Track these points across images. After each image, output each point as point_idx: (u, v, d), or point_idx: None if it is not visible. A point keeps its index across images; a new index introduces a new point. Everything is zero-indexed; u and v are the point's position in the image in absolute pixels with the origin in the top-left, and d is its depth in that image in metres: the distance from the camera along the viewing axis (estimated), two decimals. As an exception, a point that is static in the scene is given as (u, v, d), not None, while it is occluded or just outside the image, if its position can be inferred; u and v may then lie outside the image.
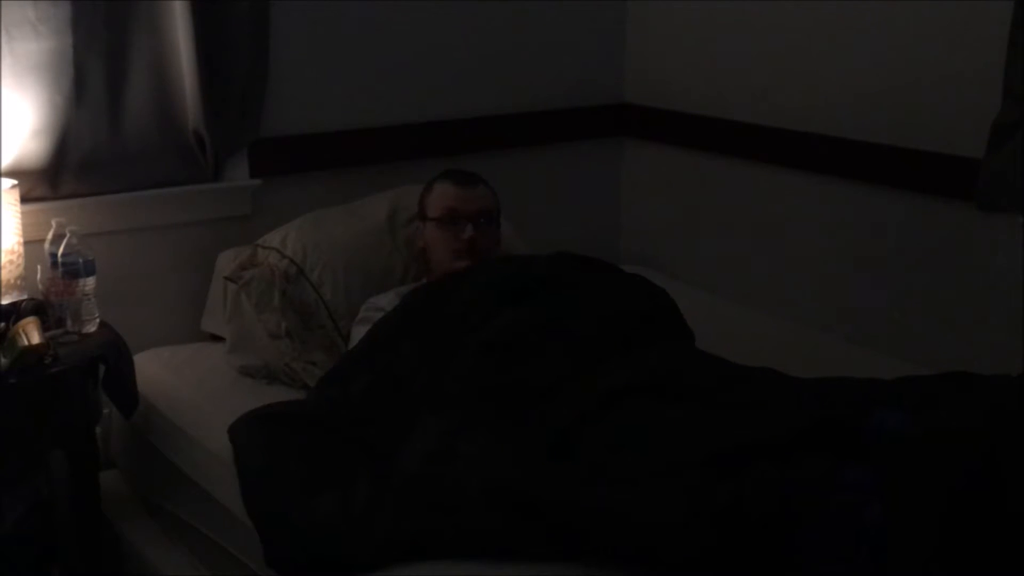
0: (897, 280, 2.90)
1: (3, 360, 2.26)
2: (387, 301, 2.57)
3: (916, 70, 2.78)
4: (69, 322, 2.48)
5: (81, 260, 2.48)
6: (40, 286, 2.54)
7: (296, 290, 2.65)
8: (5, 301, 2.49)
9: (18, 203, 2.57)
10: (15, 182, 2.58)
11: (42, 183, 2.74)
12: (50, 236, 2.56)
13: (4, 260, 2.51)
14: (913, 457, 1.69)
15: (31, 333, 2.30)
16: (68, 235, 2.49)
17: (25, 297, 2.53)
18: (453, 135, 3.30)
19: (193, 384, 2.68)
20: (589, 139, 3.62)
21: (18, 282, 2.55)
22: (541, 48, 3.46)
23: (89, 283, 2.50)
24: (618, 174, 3.70)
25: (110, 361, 2.44)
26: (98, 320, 2.53)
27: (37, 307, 2.48)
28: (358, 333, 2.54)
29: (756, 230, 3.27)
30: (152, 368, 2.72)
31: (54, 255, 2.51)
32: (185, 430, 2.51)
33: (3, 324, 2.38)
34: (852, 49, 2.93)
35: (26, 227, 2.59)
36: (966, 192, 2.61)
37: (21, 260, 2.56)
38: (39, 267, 2.57)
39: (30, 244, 2.60)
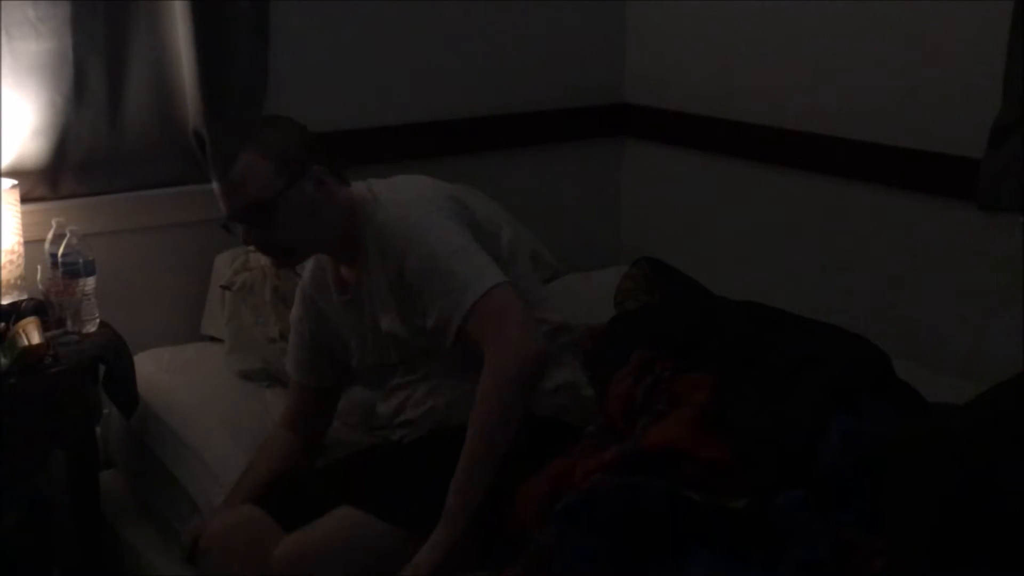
0: (897, 280, 2.90)
1: (3, 360, 2.26)
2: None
3: (916, 70, 2.78)
4: (69, 322, 2.48)
5: (81, 260, 2.48)
6: (40, 286, 2.54)
7: (288, 286, 2.64)
8: (5, 301, 2.49)
9: (18, 203, 2.57)
10: (15, 182, 2.58)
11: (42, 183, 2.74)
12: (50, 236, 2.56)
13: (4, 260, 2.51)
14: (904, 463, 1.70)
15: (31, 333, 2.30)
16: (68, 235, 2.49)
17: (25, 297, 2.53)
18: (453, 135, 3.30)
19: (192, 388, 2.67)
20: (589, 139, 3.62)
21: (18, 282, 2.55)
22: (541, 48, 3.46)
23: (89, 283, 2.50)
24: (618, 174, 3.69)
25: (110, 361, 2.45)
26: (98, 320, 2.53)
27: (37, 307, 2.48)
28: None
29: (756, 230, 3.27)
30: (151, 369, 2.72)
31: (54, 255, 2.51)
32: (182, 437, 2.51)
33: (3, 324, 2.38)
34: (852, 49, 2.93)
35: (26, 227, 2.59)
36: (966, 192, 2.61)
37: (21, 260, 2.56)
38: (39, 267, 2.57)
39: (30, 244, 2.60)
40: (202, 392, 2.64)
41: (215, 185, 2.04)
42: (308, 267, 2.25)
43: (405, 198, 2.08)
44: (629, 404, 2.10)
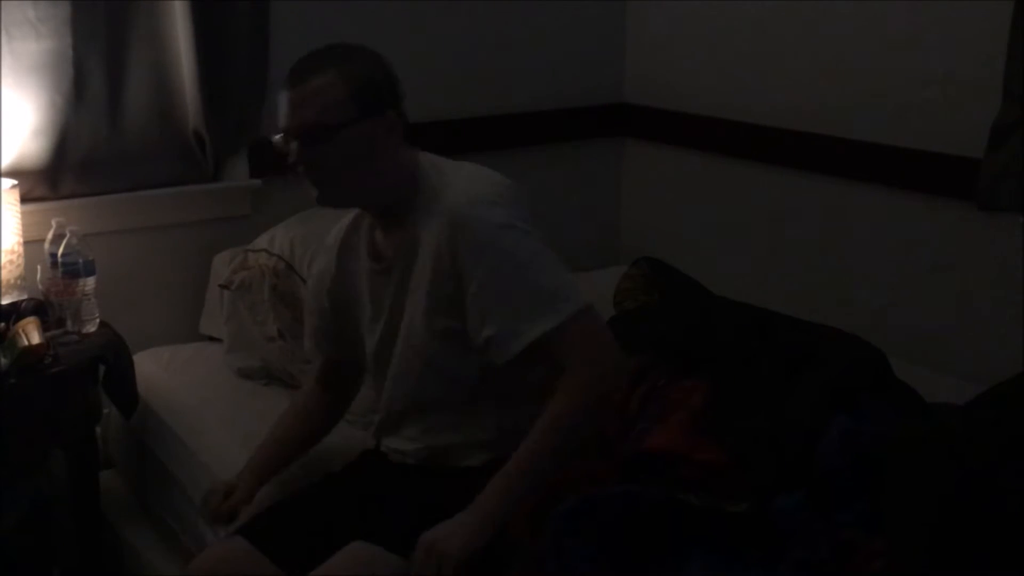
0: (897, 280, 2.90)
1: (3, 360, 2.26)
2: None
3: (916, 70, 2.78)
4: (69, 322, 2.48)
5: (81, 260, 2.48)
6: (40, 286, 2.54)
7: (286, 285, 2.65)
8: (5, 301, 2.49)
9: (18, 203, 2.57)
10: (15, 182, 2.58)
11: (42, 183, 2.74)
12: (50, 236, 2.56)
13: (4, 260, 2.51)
14: (904, 463, 1.70)
15: (31, 333, 2.30)
16: (68, 235, 2.49)
17: (25, 297, 2.53)
18: (453, 135, 3.30)
19: (191, 387, 2.67)
20: (589, 139, 3.62)
21: (18, 282, 2.55)
22: (541, 48, 3.46)
23: (89, 283, 2.50)
24: (618, 174, 3.69)
25: (110, 361, 2.45)
26: (98, 320, 2.53)
27: (37, 307, 2.48)
28: None
29: (756, 230, 3.27)
30: (151, 368, 2.72)
31: (54, 255, 2.51)
32: (182, 439, 2.51)
33: (3, 324, 2.38)
34: (852, 49, 2.93)
35: (26, 227, 2.59)
36: (966, 192, 2.61)
37: (21, 260, 2.56)
38: (39, 267, 2.57)
39: (30, 244, 2.60)
40: (201, 391, 2.65)
41: (283, 94, 1.93)
42: (342, 226, 2.16)
43: (481, 193, 1.95)
44: (623, 413, 2.10)
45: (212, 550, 2.04)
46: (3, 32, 2.63)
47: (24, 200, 2.63)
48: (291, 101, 1.92)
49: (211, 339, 2.90)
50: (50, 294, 2.51)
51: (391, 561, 1.84)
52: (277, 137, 1.95)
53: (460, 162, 2.05)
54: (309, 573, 1.85)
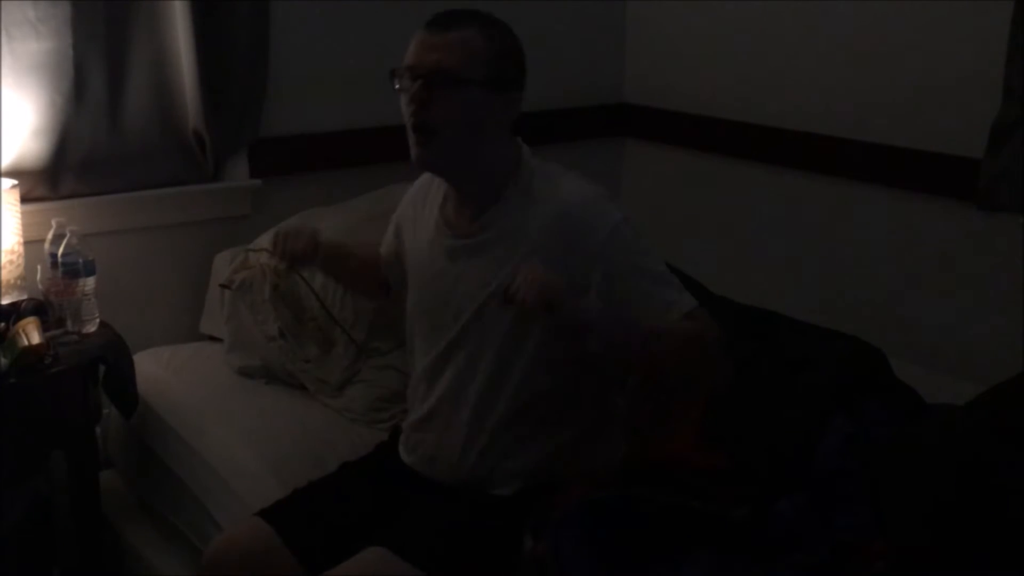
0: (897, 280, 2.90)
1: (3, 360, 2.26)
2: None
3: (916, 70, 2.78)
4: (69, 322, 2.48)
5: (81, 260, 2.48)
6: (40, 286, 2.54)
7: (287, 285, 2.65)
8: (5, 301, 2.49)
9: (18, 203, 2.57)
10: (15, 182, 2.58)
11: (42, 183, 2.74)
12: (50, 236, 2.55)
13: (4, 260, 2.51)
14: (904, 464, 1.70)
15: (31, 333, 2.29)
16: (68, 235, 2.49)
17: (25, 297, 2.53)
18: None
19: (192, 386, 2.67)
20: (589, 139, 3.62)
21: (18, 282, 2.55)
22: (541, 48, 3.43)
23: (89, 283, 2.50)
24: (618, 174, 3.69)
25: (110, 361, 2.44)
26: (98, 320, 2.53)
27: (37, 307, 2.48)
28: None
29: (756, 230, 3.27)
30: (151, 368, 2.72)
31: (54, 255, 2.51)
32: (183, 437, 2.51)
33: (3, 324, 2.38)
34: (852, 49, 2.93)
35: (26, 227, 2.59)
36: (966, 192, 2.61)
37: (21, 260, 2.56)
38: (39, 267, 2.57)
39: (30, 244, 2.60)
40: (202, 391, 2.64)
41: (420, 35, 1.91)
42: (414, 187, 2.19)
43: (597, 191, 2.01)
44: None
45: (233, 533, 2.04)
46: (3, 32, 2.63)
47: (24, 200, 2.63)
48: (430, 42, 1.91)
49: (211, 339, 2.90)
50: (50, 294, 2.51)
51: (409, 573, 1.83)
52: (400, 69, 1.93)
53: (557, 163, 2.08)
54: (325, 572, 1.86)
